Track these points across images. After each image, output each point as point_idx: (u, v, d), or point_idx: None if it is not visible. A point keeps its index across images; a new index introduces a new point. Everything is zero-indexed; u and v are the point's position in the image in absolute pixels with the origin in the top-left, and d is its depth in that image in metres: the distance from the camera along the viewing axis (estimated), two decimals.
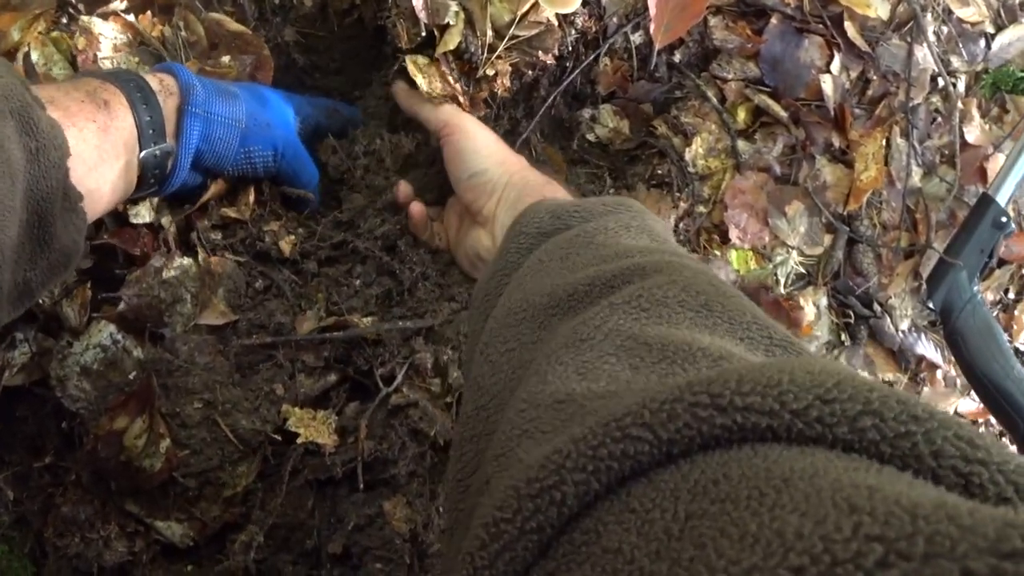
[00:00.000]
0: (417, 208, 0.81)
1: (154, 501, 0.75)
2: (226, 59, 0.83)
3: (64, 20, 0.82)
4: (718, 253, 0.89)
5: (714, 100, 0.96)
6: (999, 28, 1.13)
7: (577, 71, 0.92)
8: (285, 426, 0.75)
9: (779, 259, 0.92)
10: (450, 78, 0.82)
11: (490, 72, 0.85)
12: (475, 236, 0.78)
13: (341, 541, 0.75)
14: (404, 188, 0.83)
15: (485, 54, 0.84)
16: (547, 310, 0.46)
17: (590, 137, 0.97)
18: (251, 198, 0.81)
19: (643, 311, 0.40)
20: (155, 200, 0.76)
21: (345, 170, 0.86)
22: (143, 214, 0.76)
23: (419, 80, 0.81)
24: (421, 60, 0.84)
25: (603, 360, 0.36)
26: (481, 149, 0.77)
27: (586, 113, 0.97)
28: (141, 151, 0.66)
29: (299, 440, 0.74)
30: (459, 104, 0.83)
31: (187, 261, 0.76)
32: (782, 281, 0.92)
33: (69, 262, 0.60)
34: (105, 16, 0.81)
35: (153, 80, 0.69)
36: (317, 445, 0.74)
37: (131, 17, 0.83)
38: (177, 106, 0.69)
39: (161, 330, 0.73)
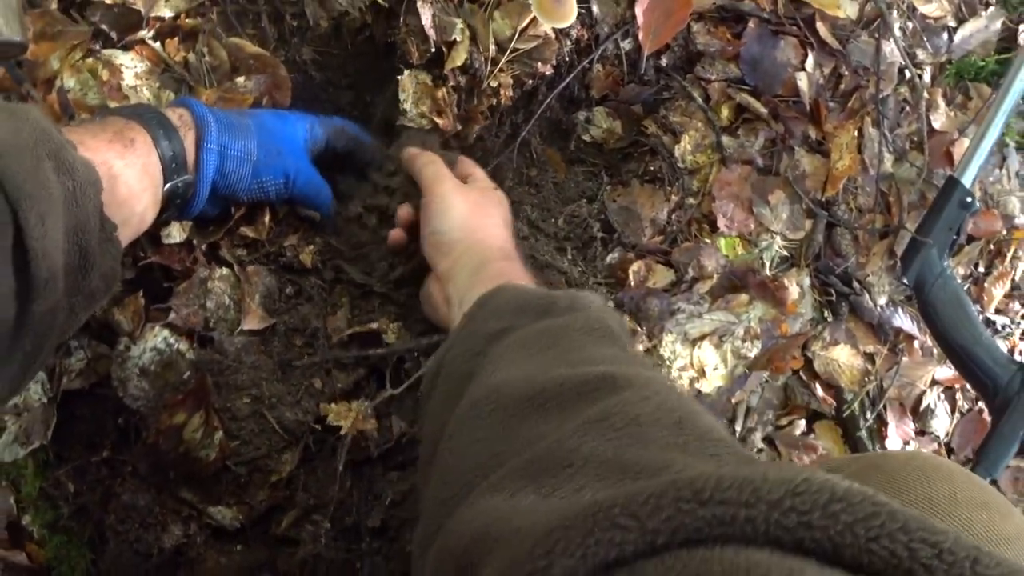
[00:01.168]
0: (397, 234, 0.86)
1: (207, 488, 0.82)
2: (242, 80, 0.90)
3: (98, 47, 0.89)
4: (708, 241, 0.97)
5: (699, 100, 1.03)
6: (960, 21, 1.21)
7: (571, 77, 0.99)
8: (326, 421, 0.82)
9: (764, 244, 1.01)
10: (445, 97, 0.90)
11: (494, 84, 0.92)
12: (429, 285, 0.82)
13: (379, 515, 0.83)
14: (404, 212, 0.86)
15: (489, 67, 0.91)
16: (516, 405, 0.47)
17: (586, 138, 1.04)
18: (267, 219, 0.87)
19: (616, 431, 0.41)
20: (187, 223, 0.83)
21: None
22: (175, 235, 0.83)
23: (404, 100, 0.89)
24: (423, 77, 0.92)
25: (585, 490, 0.37)
26: (447, 211, 0.80)
27: (581, 115, 1.04)
28: (166, 183, 0.72)
29: (343, 431, 0.81)
30: (440, 125, 0.90)
31: (226, 271, 0.84)
32: (768, 264, 1.01)
33: (109, 287, 0.65)
34: (130, 46, 0.88)
35: (173, 115, 0.74)
36: (359, 432, 0.82)
37: (157, 44, 0.90)
38: (195, 140, 0.75)
39: (210, 334, 0.80)
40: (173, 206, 0.75)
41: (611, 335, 0.57)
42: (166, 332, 0.78)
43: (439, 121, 0.91)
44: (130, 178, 0.67)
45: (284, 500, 0.84)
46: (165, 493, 0.83)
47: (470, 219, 0.80)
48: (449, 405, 0.54)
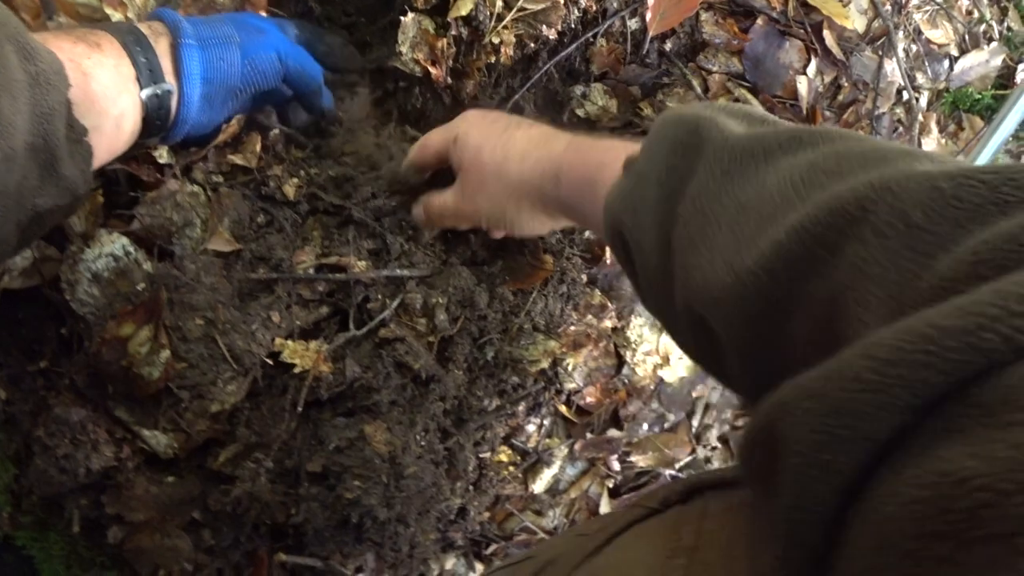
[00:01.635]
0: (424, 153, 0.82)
1: (145, 409, 0.79)
2: None
3: None
4: None
5: (698, 89, 1.02)
6: (962, 52, 1.22)
7: (575, 47, 0.97)
8: (280, 357, 0.80)
9: None
10: (444, 48, 0.88)
11: (495, 40, 0.90)
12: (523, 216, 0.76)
13: (321, 460, 0.80)
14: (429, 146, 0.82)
15: (493, 23, 0.89)
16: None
17: (580, 112, 1.03)
18: (257, 146, 0.85)
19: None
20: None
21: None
22: (165, 156, 0.80)
23: (403, 43, 0.87)
24: (426, 23, 0.90)
25: None
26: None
27: (578, 89, 1.03)
28: (142, 89, 0.67)
29: (296, 370, 0.78)
30: (432, 75, 0.89)
31: (198, 189, 0.81)
32: None
33: (76, 196, 0.60)
34: None
35: (143, 27, 0.70)
36: (307, 371, 0.79)
37: None
38: (170, 43, 0.71)
39: (171, 247, 0.77)
40: (156, 123, 0.70)
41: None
42: (125, 240, 0.75)
43: (432, 70, 0.89)
44: (101, 77, 0.63)
45: (224, 434, 0.81)
46: (100, 411, 0.79)
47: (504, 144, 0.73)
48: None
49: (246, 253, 0.81)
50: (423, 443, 0.81)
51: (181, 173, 0.81)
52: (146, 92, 0.68)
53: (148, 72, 0.68)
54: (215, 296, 0.77)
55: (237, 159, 0.84)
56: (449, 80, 0.92)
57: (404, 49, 0.88)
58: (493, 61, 0.92)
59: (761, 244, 0.37)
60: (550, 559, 0.49)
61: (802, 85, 1.04)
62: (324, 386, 0.79)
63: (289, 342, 0.80)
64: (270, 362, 0.79)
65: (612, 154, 0.60)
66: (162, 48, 0.70)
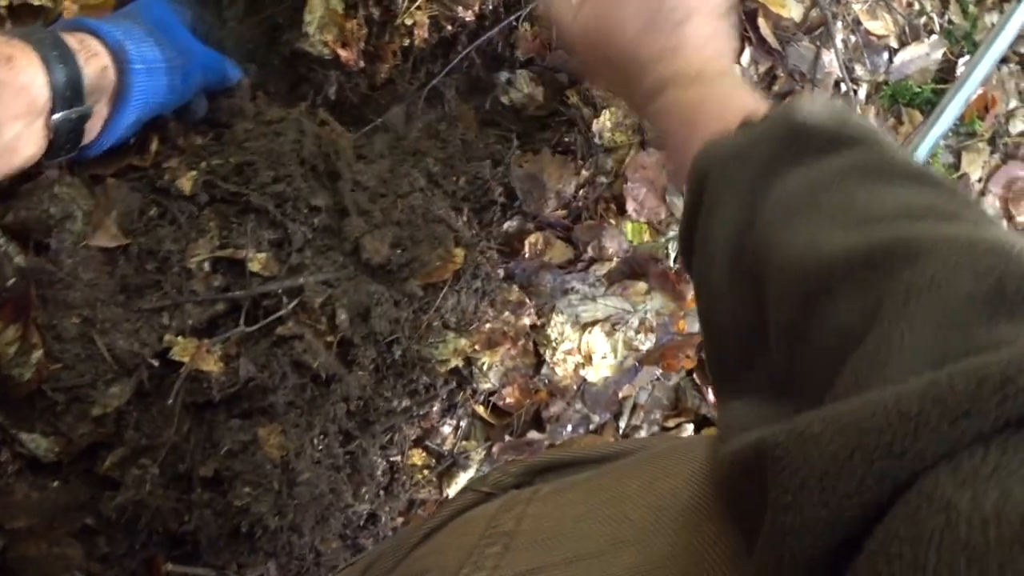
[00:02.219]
0: None
1: (21, 412, 0.74)
2: None
3: None
4: (613, 222, 0.93)
5: None
6: (902, 44, 1.19)
7: (496, 31, 0.93)
8: (168, 354, 0.75)
9: (672, 234, 0.96)
10: (353, 29, 0.83)
11: (408, 21, 0.86)
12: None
13: (213, 465, 0.76)
14: None
15: (405, 3, 0.85)
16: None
17: (504, 100, 0.99)
18: (153, 145, 0.80)
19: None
20: None
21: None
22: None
23: (310, 23, 0.82)
24: (335, 2, 0.85)
25: None
26: None
27: (503, 76, 0.98)
28: (55, 113, 0.62)
29: (183, 369, 0.74)
30: (342, 57, 0.84)
31: (78, 180, 0.75)
32: (672, 255, 0.96)
33: None
34: None
35: (71, 39, 0.63)
36: (201, 371, 0.74)
37: None
38: (108, 66, 0.65)
39: (47, 240, 0.72)
40: (64, 143, 0.65)
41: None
42: None
43: (342, 53, 0.84)
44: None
45: (110, 437, 0.76)
46: None
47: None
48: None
49: (133, 247, 0.76)
50: (321, 447, 0.76)
51: (62, 165, 0.75)
52: (59, 116, 0.62)
53: (67, 94, 0.62)
54: (94, 293, 0.71)
55: (136, 161, 0.79)
56: (362, 63, 0.87)
57: (311, 30, 0.83)
58: (408, 44, 0.87)
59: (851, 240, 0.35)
60: (380, 553, 0.46)
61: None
62: (216, 386, 0.74)
63: (179, 339, 0.75)
64: (155, 363, 0.74)
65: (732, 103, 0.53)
66: (92, 69, 0.64)
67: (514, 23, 0.95)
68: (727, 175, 0.44)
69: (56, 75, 0.60)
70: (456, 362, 0.83)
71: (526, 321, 0.88)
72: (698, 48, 0.60)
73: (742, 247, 0.42)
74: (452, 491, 0.93)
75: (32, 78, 0.59)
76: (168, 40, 0.72)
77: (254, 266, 0.77)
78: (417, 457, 0.90)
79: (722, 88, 0.58)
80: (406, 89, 0.94)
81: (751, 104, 0.52)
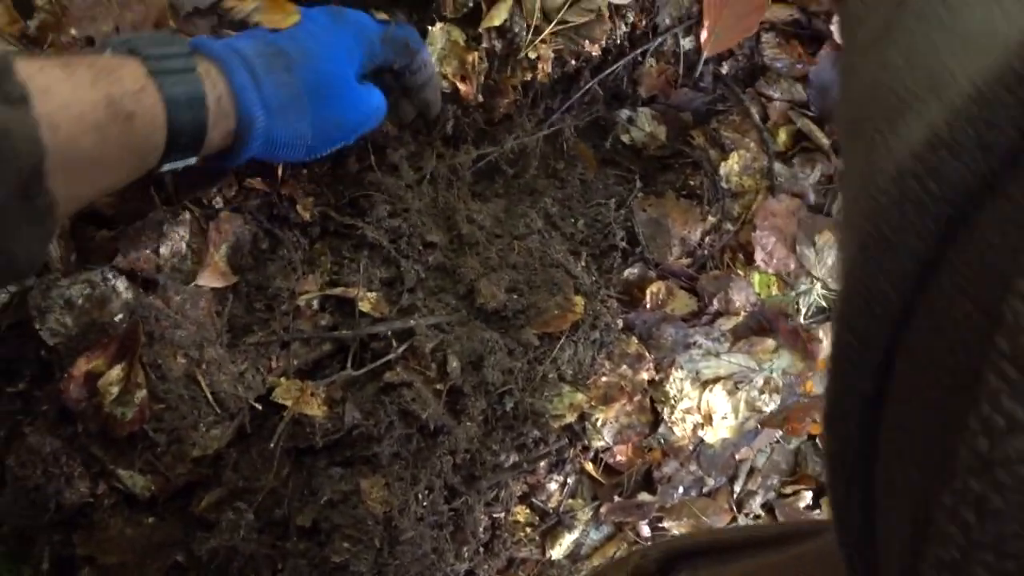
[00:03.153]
0: None
1: (120, 449, 0.71)
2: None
3: None
4: (741, 273, 0.86)
5: (756, 117, 0.92)
6: None
7: (620, 65, 0.88)
8: (272, 396, 0.72)
9: (803, 288, 0.89)
10: (475, 62, 0.79)
11: (532, 55, 0.82)
12: None
13: (311, 515, 0.72)
14: None
15: (530, 36, 0.81)
16: None
17: (624, 139, 0.93)
18: (279, 170, 0.76)
19: None
20: None
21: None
22: None
23: (432, 51, 0.78)
24: (456, 34, 0.81)
25: None
26: None
27: (624, 114, 0.94)
28: (161, 166, 0.55)
29: (286, 412, 0.70)
30: (461, 91, 0.79)
31: (188, 216, 0.73)
32: (803, 311, 0.89)
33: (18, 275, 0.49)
34: None
35: (206, 81, 0.55)
36: (304, 415, 0.71)
37: None
38: (229, 132, 0.58)
39: (156, 276, 0.69)
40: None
41: None
42: (104, 266, 0.68)
43: (461, 87, 0.81)
44: (103, 152, 0.48)
45: (209, 477, 0.73)
46: (76, 444, 0.72)
47: None
48: None
49: (242, 285, 0.73)
50: (425, 503, 0.71)
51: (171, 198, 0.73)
52: (167, 167, 0.56)
53: (180, 142, 0.54)
54: (201, 333, 0.69)
55: (255, 183, 0.76)
56: (480, 98, 0.84)
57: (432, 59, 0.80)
58: (529, 78, 0.83)
59: None
60: None
61: None
62: (319, 432, 0.71)
63: (283, 380, 0.72)
64: (258, 406, 0.71)
65: None
66: (218, 133, 0.56)
67: (639, 58, 0.90)
68: None
69: (177, 125, 0.53)
70: (571, 417, 0.77)
71: (644, 376, 0.82)
72: None
73: None
74: (555, 552, 0.87)
75: (148, 137, 0.52)
76: (313, 117, 0.63)
77: (364, 306, 0.74)
78: (520, 514, 0.84)
79: None
80: (525, 126, 0.90)
81: None
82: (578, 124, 0.92)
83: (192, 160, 0.58)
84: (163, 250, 0.71)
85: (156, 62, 0.52)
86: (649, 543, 0.64)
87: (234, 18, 0.69)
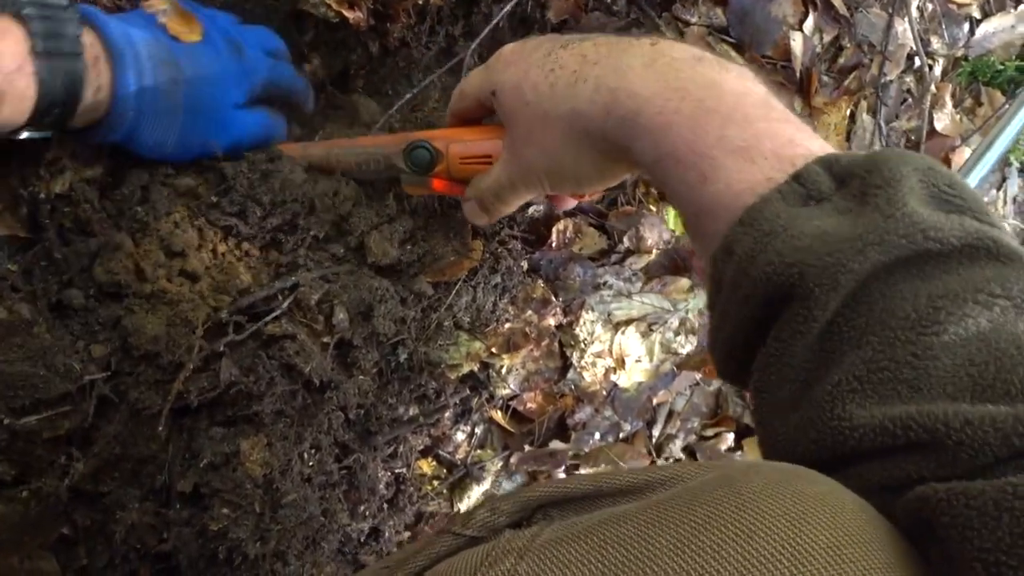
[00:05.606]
0: None
1: None
2: None
3: None
4: (653, 208, 0.81)
5: None
6: (986, 15, 1.06)
7: None
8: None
9: None
10: None
11: None
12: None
13: (192, 479, 0.67)
14: None
15: None
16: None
17: None
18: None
19: None
20: None
21: None
22: None
23: None
24: None
25: None
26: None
27: None
28: (23, 130, 0.54)
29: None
30: (349, 19, 0.73)
31: None
32: None
33: None
34: None
35: (91, 70, 0.54)
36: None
37: None
38: (94, 119, 0.57)
39: None
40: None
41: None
42: None
43: (349, 15, 0.74)
44: None
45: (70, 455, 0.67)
46: None
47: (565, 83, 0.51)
48: None
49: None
50: (312, 463, 0.67)
51: None
52: (27, 133, 0.54)
53: (49, 110, 0.52)
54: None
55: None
56: (372, 22, 0.77)
57: None
58: (422, 2, 0.76)
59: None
60: None
61: (796, 44, 0.89)
62: (194, 391, 0.65)
63: None
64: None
65: (744, 124, 0.42)
66: (91, 91, 0.54)
67: None
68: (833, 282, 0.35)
69: (47, 91, 0.51)
70: (469, 367, 0.73)
71: (550, 322, 0.77)
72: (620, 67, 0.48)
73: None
74: (464, 505, 0.84)
75: (11, 116, 0.51)
76: (187, 106, 0.61)
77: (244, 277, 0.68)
78: (426, 466, 0.81)
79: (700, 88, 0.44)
80: (422, 54, 0.83)
81: (777, 125, 0.42)
82: (482, 52, 0.86)
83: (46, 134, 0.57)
84: None
85: (43, 40, 0.50)
86: (501, 495, 0.59)
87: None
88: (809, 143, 0.41)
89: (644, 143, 0.46)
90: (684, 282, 0.82)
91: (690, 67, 0.46)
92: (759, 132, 0.41)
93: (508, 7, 0.84)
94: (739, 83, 0.44)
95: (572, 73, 0.51)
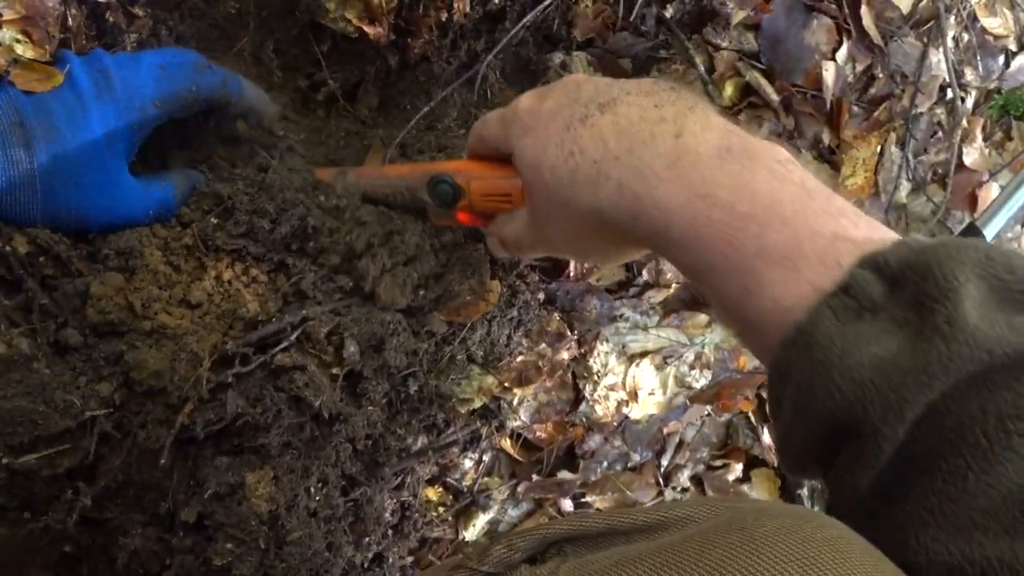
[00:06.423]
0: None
1: None
2: None
3: None
4: None
5: (701, 68, 0.84)
6: (1022, 47, 1.03)
7: (550, 3, 0.79)
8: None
9: None
10: (382, 1, 0.69)
11: None
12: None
13: (196, 508, 0.65)
14: None
15: None
16: None
17: None
18: None
19: None
20: None
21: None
22: None
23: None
24: None
25: None
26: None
27: (557, 58, 0.85)
28: None
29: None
30: (370, 35, 0.70)
31: None
32: None
33: None
34: None
35: None
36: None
37: None
38: None
39: None
40: None
41: None
42: None
43: (369, 30, 0.71)
44: None
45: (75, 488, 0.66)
46: None
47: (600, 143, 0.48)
48: None
49: None
50: (319, 497, 0.66)
51: None
52: None
53: None
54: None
55: None
56: (392, 36, 0.74)
57: (331, 5, 0.70)
58: (446, 19, 0.74)
59: None
60: None
61: (828, 73, 0.86)
62: (200, 422, 0.63)
63: None
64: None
65: (782, 227, 0.39)
66: None
67: None
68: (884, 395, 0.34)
69: None
70: (480, 402, 0.71)
71: (564, 356, 0.76)
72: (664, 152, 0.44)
73: None
74: (469, 532, 0.83)
75: None
76: (45, 167, 0.53)
77: (250, 307, 0.65)
78: (433, 493, 0.79)
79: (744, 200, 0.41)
80: (443, 69, 0.81)
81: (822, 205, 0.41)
82: (504, 68, 0.83)
83: None
84: None
85: None
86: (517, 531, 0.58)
87: None
88: (854, 232, 0.40)
89: (677, 253, 0.44)
90: (702, 317, 0.81)
91: (716, 167, 0.43)
92: (800, 234, 0.39)
93: (527, 19, 0.81)
94: (770, 179, 0.42)
95: (593, 165, 0.47)
